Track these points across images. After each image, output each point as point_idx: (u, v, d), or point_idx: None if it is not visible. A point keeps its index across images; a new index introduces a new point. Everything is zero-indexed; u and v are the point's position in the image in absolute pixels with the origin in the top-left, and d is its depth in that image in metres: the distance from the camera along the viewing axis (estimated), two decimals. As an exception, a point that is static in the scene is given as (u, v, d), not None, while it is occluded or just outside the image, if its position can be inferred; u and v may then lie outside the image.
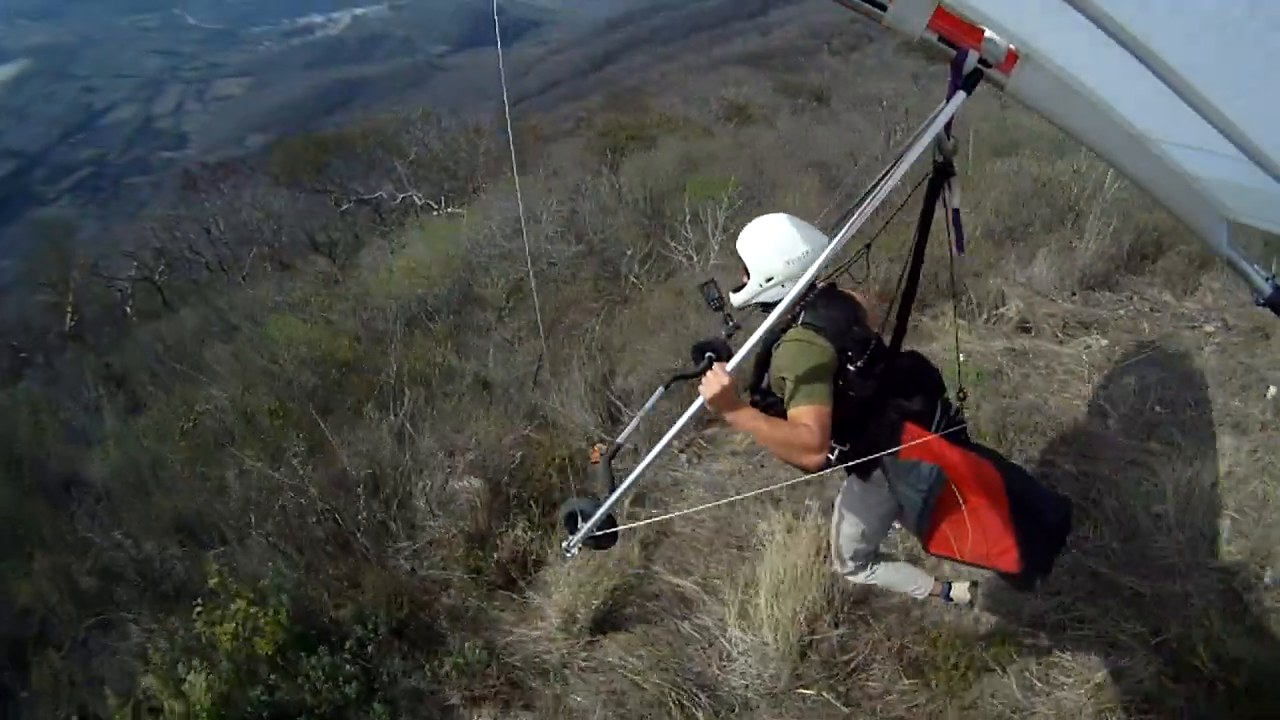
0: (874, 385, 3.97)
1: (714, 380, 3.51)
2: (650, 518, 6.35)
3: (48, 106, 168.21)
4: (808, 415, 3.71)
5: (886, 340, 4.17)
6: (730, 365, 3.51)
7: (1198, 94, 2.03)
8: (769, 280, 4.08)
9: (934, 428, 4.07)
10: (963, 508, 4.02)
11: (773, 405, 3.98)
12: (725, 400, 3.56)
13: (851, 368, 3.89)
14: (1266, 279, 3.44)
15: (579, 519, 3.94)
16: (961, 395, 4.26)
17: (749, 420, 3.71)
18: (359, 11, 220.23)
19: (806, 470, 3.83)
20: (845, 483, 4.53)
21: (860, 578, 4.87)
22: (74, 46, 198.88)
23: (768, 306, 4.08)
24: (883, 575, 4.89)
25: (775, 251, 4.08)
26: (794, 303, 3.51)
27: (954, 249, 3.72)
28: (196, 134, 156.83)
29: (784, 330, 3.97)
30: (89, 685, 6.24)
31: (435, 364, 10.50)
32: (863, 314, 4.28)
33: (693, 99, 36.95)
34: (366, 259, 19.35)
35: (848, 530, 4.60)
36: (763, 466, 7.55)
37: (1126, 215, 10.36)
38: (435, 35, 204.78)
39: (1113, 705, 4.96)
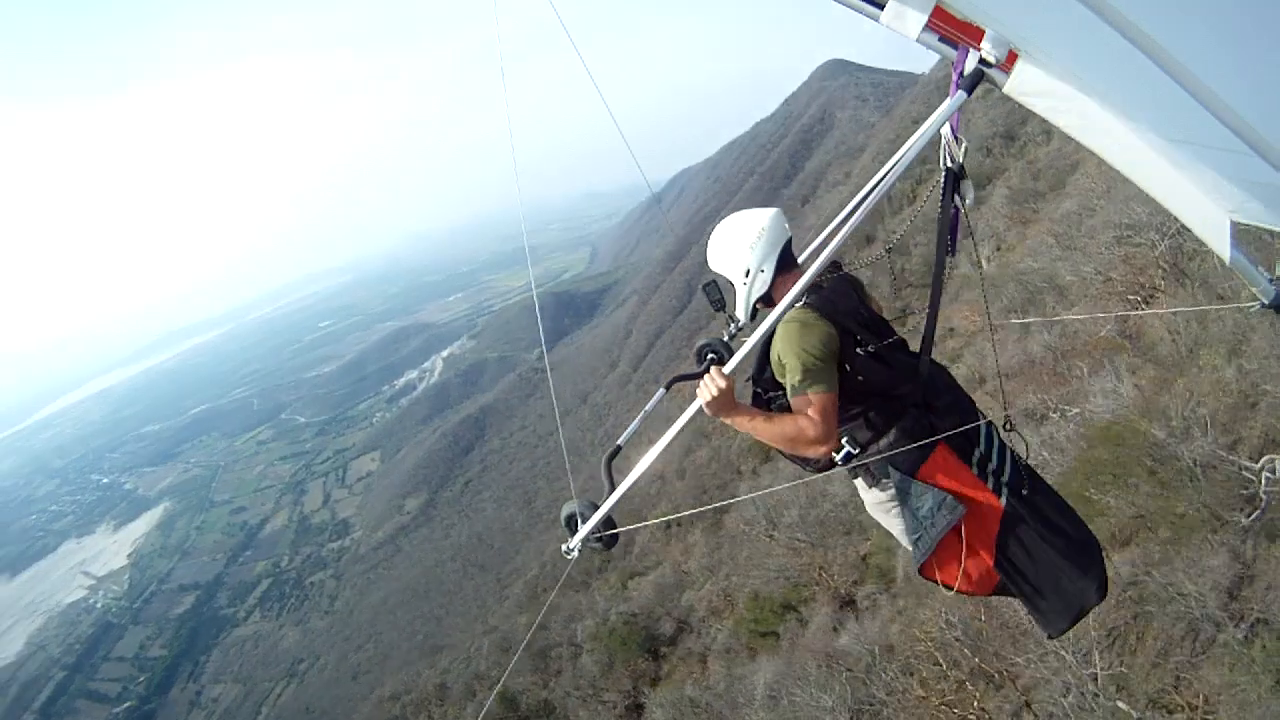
0: (887, 374, 3.93)
1: (710, 384, 3.76)
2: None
3: (204, 536, 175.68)
4: (809, 404, 3.76)
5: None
6: (728, 367, 3.76)
7: (1203, 86, 2.15)
8: (747, 273, 4.12)
9: (978, 461, 3.98)
10: (961, 547, 3.97)
11: (775, 397, 4.08)
12: (722, 404, 3.80)
13: (860, 350, 3.90)
14: (1270, 280, 3.70)
15: (579, 520, 4.15)
16: (1009, 425, 4.19)
17: (747, 422, 3.86)
18: (445, 354, 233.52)
19: (812, 463, 4.07)
20: (863, 494, 4.32)
21: None
22: (205, 477, 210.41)
23: (768, 300, 4.17)
24: None
25: (735, 245, 4.15)
26: (800, 294, 3.61)
27: (949, 252, 3.91)
28: (355, 517, 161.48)
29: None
30: None
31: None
32: (865, 294, 4.28)
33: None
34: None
35: (897, 531, 4.28)
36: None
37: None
38: (523, 343, 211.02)
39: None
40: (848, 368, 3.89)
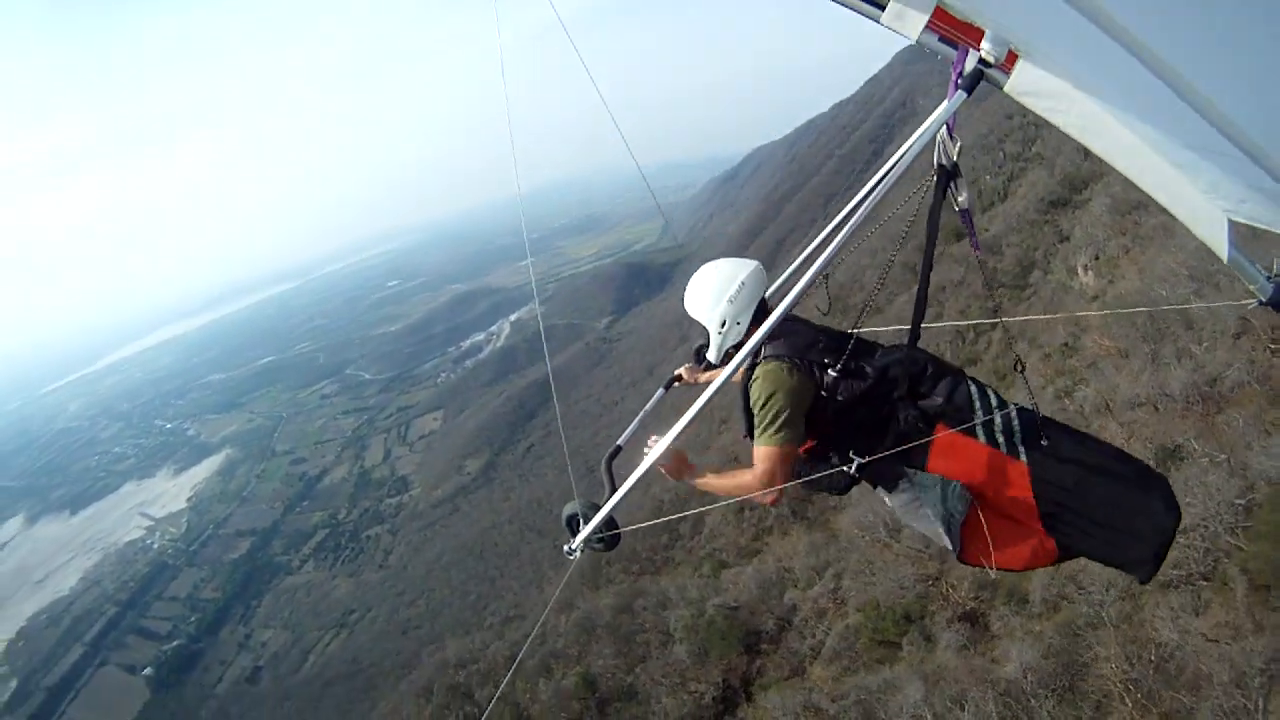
0: (865, 385, 4.04)
1: (662, 458, 4.15)
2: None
3: (263, 485, 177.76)
4: (765, 455, 4.09)
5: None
6: (696, 407, 3.80)
7: (1197, 92, 2.22)
8: (723, 325, 4.32)
9: (984, 429, 3.99)
10: (983, 523, 3.96)
11: None
12: (676, 472, 4.43)
13: (832, 373, 4.06)
14: (1268, 278, 3.76)
15: (580, 521, 4.26)
16: (1019, 367, 4.35)
17: (704, 485, 4.40)
18: (513, 318, 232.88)
19: (829, 487, 4.21)
20: (889, 503, 4.34)
21: None
22: (267, 428, 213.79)
23: (739, 347, 4.21)
24: None
25: (714, 297, 4.33)
26: (769, 332, 3.81)
27: (974, 249, 4.22)
28: (414, 474, 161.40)
29: (751, 369, 4.20)
30: None
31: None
32: (819, 328, 4.40)
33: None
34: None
35: (930, 529, 4.20)
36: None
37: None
38: (592, 311, 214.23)
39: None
40: (824, 394, 4.07)
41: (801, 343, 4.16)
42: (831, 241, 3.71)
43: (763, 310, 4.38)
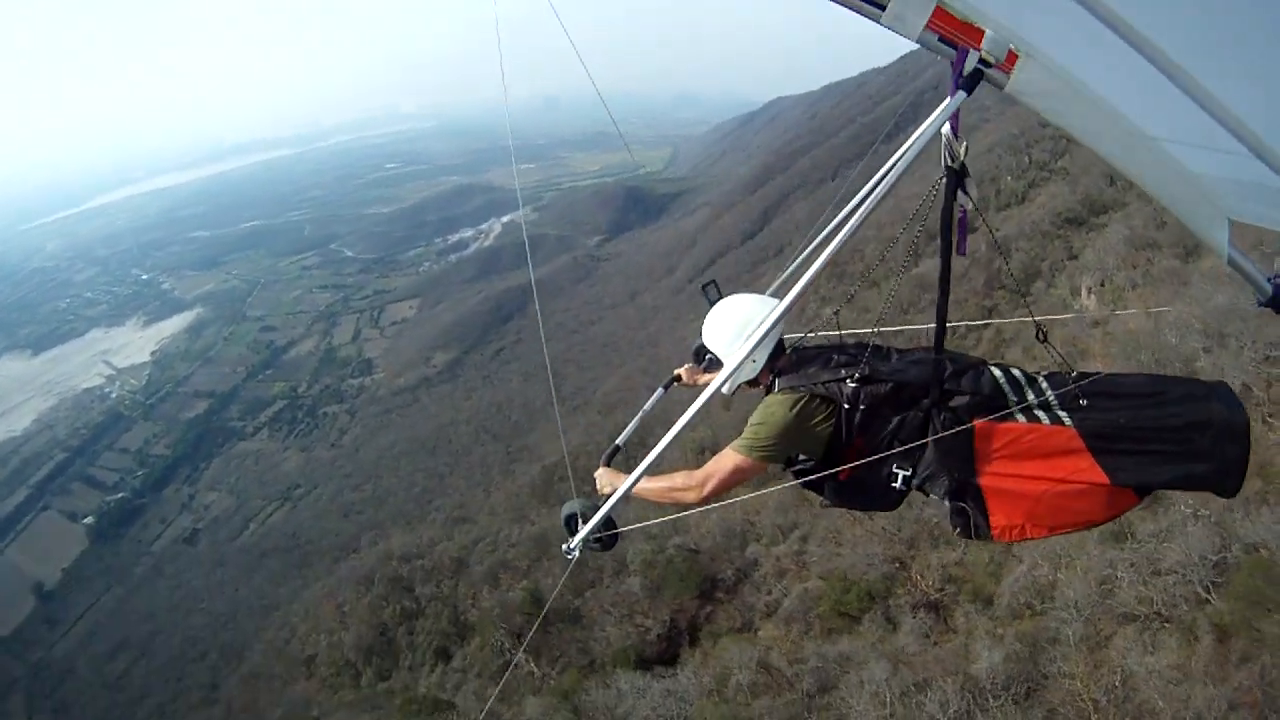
0: (885, 389, 4.03)
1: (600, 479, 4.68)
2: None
3: (229, 348, 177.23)
4: (722, 454, 4.25)
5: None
6: (683, 420, 3.79)
7: (1200, 86, 2.21)
8: (740, 362, 4.12)
9: (1021, 409, 3.94)
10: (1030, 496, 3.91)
11: (800, 469, 4.24)
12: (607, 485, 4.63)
13: (851, 383, 4.03)
14: (1268, 279, 3.68)
15: (578, 521, 4.32)
16: (1041, 336, 4.28)
17: (639, 491, 4.34)
18: (506, 219, 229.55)
19: (878, 503, 4.23)
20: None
21: None
22: (243, 291, 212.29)
23: (753, 384, 4.46)
24: None
25: (735, 334, 4.38)
26: (768, 360, 4.27)
27: (956, 250, 3.92)
28: (381, 359, 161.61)
29: (768, 392, 4.33)
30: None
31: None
32: (834, 345, 4.45)
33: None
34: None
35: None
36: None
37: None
38: (587, 228, 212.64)
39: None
40: (846, 406, 4.04)
41: (814, 366, 4.20)
42: (832, 241, 3.68)
43: (777, 353, 4.43)
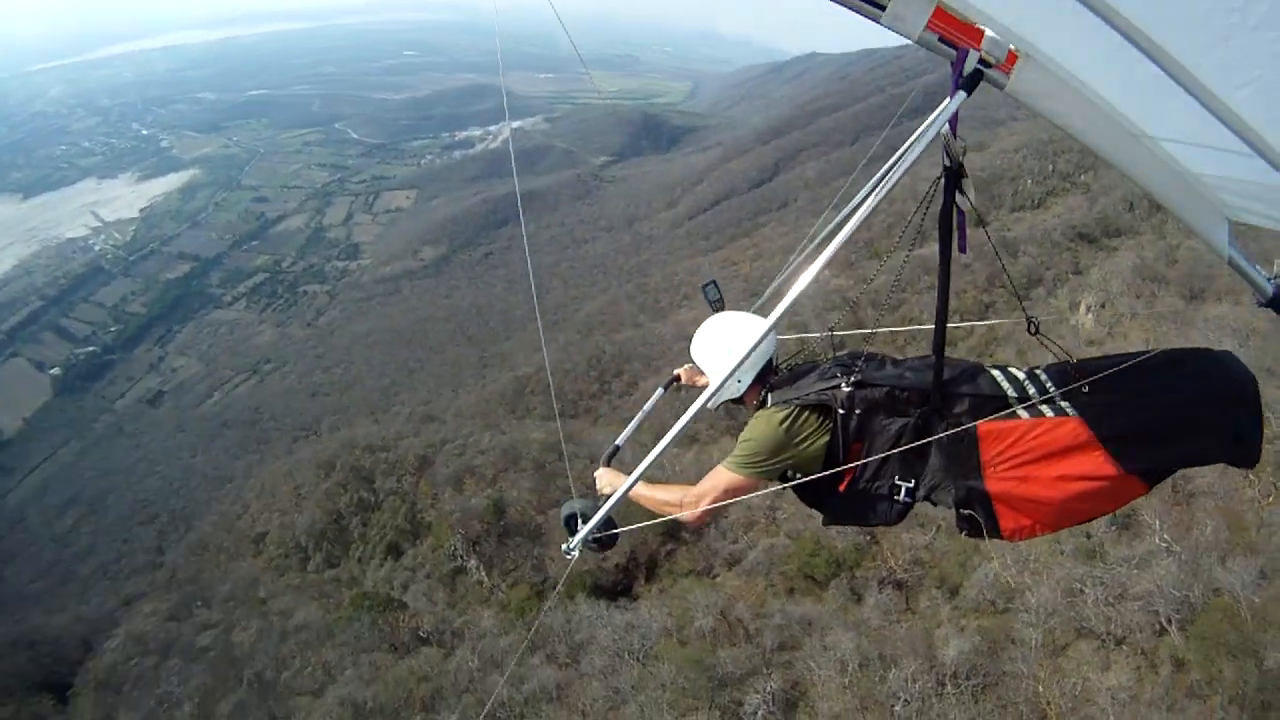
0: (881, 392, 3.93)
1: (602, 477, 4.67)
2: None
3: (219, 214, 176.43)
4: (713, 476, 4.19)
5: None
6: (679, 426, 3.67)
7: (1201, 84, 2.20)
8: (726, 380, 4.14)
9: (1023, 405, 3.79)
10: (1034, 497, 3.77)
11: (801, 485, 4.09)
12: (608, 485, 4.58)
13: (846, 387, 3.95)
14: (1268, 279, 3.60)
15: (578, 520, 4.33)
16: (1034, 329, 4.10)
17: (635, 495, 4.25)
18: (517, 124, 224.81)
19: (879, 516, 4.03)
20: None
21: None
22: (241, 159, 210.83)
23: (738, 402, 4.48)
24: None
25: (725, 351, 4.35)
26: (758, 377, 4.23)
27: (959, 248, 3.77)
28: (369, 245, 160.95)
29: (760, 407, 4.26)
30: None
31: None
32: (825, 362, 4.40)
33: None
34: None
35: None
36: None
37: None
38: (595, 147, 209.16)
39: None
40: (842, 411, 3.95)
41: (805, 378, 4.17)
42: (832, 241, 3.53)
43: (764, 372, 4.41)
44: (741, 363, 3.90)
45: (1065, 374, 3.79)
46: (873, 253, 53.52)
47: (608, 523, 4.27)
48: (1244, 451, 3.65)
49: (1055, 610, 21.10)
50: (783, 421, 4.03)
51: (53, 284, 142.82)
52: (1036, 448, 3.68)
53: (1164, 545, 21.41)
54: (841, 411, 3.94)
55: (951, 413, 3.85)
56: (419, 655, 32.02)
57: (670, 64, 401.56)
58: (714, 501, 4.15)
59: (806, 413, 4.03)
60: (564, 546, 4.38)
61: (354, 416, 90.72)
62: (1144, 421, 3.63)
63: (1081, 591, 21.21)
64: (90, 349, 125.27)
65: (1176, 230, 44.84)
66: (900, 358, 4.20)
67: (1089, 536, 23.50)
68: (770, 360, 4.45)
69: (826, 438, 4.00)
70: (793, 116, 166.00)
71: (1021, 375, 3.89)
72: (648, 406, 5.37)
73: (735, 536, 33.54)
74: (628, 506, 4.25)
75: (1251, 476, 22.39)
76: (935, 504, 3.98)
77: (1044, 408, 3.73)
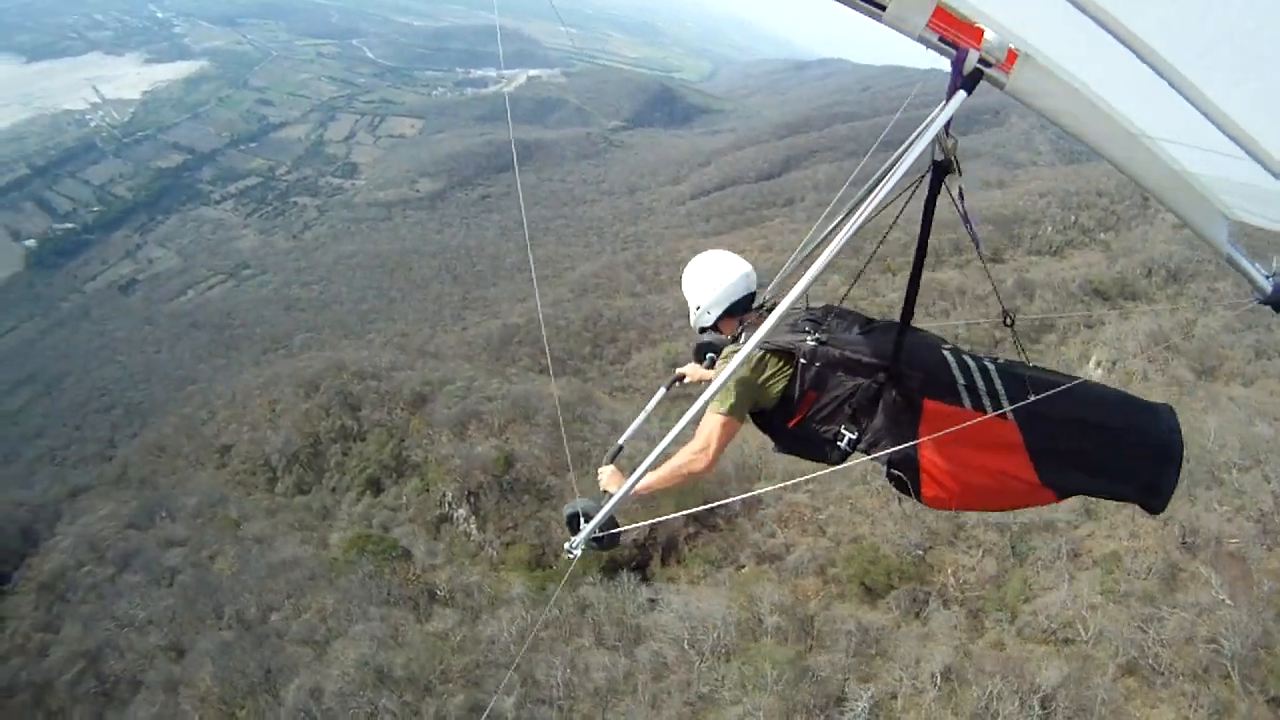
0: (843, 352, 4.13)
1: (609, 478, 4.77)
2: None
3: (221, 110, 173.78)
4: (703, 421, 4.30)
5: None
6: (702, 399, 3.87)
7: (1196, 89, 2.25)
8: (698, 308, 4.69)
9: (967, 391, 4.00)
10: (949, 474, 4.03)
11: (766, 421, 4.37)
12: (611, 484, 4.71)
13: (811, 341, 4.17)
14: (1267, 277, 3.71)
15: (581, 519, 4.42)
16: (1009, 321, 4.38)
17: (646, 487, 4.28)
18: (533, 72, 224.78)
19: (826, 455, 4.23)
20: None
21: None
22: (252, 58, 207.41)
23: (714, 329, 4.78)
24: None
25: (700, 283, 4.69)
26: (780, 320, 3.73)
27: (976, 246, 4.33)
28: (367, 167, 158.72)
29: (734, 341, 4.62)
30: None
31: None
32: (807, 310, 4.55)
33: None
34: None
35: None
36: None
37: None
38: (609, 109, 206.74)
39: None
40: (804, 361, 4.15)
41: (776, 328, 3.95)
42: (832, 240, 3.71)
43: (741, 306, 4.70)
44: (716, 289, 4.56)
45: (1017, 375, 4.02)
46: (885, 268, 53.20)
47: (610, 522, 4.39)
48: (1157, 503, 4.00)
49: (1120, 646, 21.74)
50: (751, 361, 4.20)
51: (42, 153, 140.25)
52: (970, 438, 3.90)
53: (1224, 596, 22.15)
54: (803, 361, 4.17)
55: (903, 384, 4.03)
56: (443, 618, 30.42)
57: (694, 41, 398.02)
58: (720, 442, 4.29)
59: (772, 356, 4.25)
60: (566, 545, 4.49)
61: (327, 336, 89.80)
62: (1076, 448, 3.92)
63: (1144, 630, 21.85)
64: (69, 225, 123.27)
65: (1192, 304, 47.02)
66: (870, 319, 4.42)
67: (1145, 576, 23.99)
68: (748, 299, 4.73)
69: (787, 380, 4.22)
70: (810, 116, 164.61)
71: (973, 365, 4.07)
72: (650, 405, 5.57)
73: (770, 531, 33.13)
74: (632, 504, 4.36)
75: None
76: (868, 456, 4.16)
77: (987, 401, 3.94)
